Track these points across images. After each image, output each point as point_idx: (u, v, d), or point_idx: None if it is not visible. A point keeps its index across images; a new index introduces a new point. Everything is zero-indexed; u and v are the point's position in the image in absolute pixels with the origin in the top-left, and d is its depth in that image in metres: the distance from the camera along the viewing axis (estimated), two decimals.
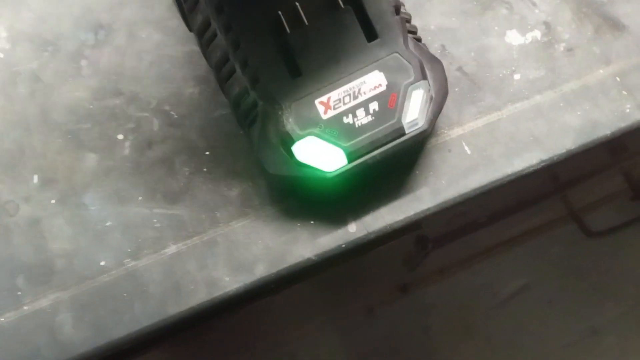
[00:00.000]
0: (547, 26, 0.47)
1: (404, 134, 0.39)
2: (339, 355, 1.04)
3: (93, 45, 0.47)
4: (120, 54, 0.46)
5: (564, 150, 0.44)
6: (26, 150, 0.44)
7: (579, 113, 0.45)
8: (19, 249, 0.42)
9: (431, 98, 0.40)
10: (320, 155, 0.38)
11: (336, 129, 0.38)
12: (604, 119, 0.45)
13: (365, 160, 0.39)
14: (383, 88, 0.38)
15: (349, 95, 0.38)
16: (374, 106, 0.38)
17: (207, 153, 0.44)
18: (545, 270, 1.08)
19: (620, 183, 0.91)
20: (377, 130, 0.38)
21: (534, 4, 0.48)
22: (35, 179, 0.44)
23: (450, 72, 0.46)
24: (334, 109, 0.38)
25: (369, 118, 0.38)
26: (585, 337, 1.09)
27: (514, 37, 0.47)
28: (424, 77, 0.39)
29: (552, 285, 1.09)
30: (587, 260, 1.08)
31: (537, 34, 0.47)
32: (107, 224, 0.43)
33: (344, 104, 0.38)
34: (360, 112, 0.38)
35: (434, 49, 0.46)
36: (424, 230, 0.48)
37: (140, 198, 0.43)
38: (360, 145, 0.38)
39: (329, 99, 0.38)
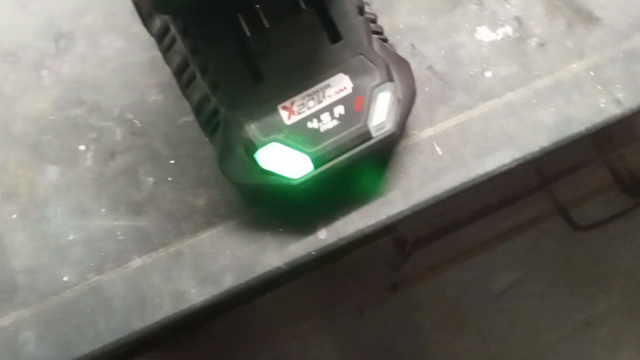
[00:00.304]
0: (519, 21, 0.46)
1: (370, 137, 0.37)
2: (332, 357, 1.03)
3: (54, 54, 0.45)
4: (81, 63, 0.45)
5: (537, 148, 0.43)
6: None
7: (552, 109, 0.44)
8: None
9: (398, 100, 0.38)
10: (285, 162, 0.37)
11: (301, 135, 0.37)
12: (578, 115, 0.44)
13: (332, 166, 0.37)
14: (348, 91, 0.37)
15: (313, 99, 0.37)
16: (339, 110, 0.37)
17: (172, 162, 0.43)
18: (536, 264, 1.08)
19: (608, 176, 0.91)
20: (343, 134, 0.37)
21: None
22: None
23: (421, 72, 0.45)
24: (298, 113, 0.37)
25: (335, 122, 0.37)
26: (579, 330, 1.09)
27: (484, 34, 0.46)
28: (390, 79, 0.38)
29: (544, 279, 1.09)
30: (578, 253, 1.08)
31: (508, 29, 0.46)
32: (70, 237, 0.42)
33: (308, 108, 0.37)
34: (325, 117, 0.37)
35: (403, 48, 0.45)
36: (402, 232, 0.47)
37: (103, 210, 0.42)
38: (326, 150, 0.37)
39: (292, 103, 0.36)
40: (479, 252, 1.02)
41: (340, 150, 0.37)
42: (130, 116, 0.44)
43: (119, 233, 0.42)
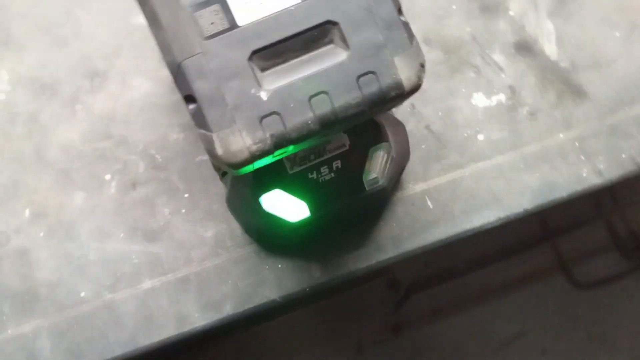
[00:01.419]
0: (512, 90, 0.50)
1: (364, 190, 0.42)
2: None
3: (88, 90, 0.50)
4: (112, 100, 0.50)
5: (521, 210, 0.47)
6: (20, 186, 0.48)
7: (537, 175, 0.48)
8: (7, 277, 0.46)
9: (392, 158, 0.42)
10: (285, 207, 0.41)
11: (301, 184, 0.41)
12: (561, 182, 0.48)
13: (327, 213, 0.42)
14: (346, 147, 0.41)
15: (314, 153, 0.41)
16: (337, 164, 0.41)
17: (187, 195, 0.48)
18: (540, 318, 1.07)
19: (609, 237, 0.93)
20: (339, 185, 0.41)
21: (501, 69, 0.51)
22: (27, 212, 0.47)
23: (418, 130, 0.49)
24: (300, 165, 0.41)
25: (332, 175, 0.41)
26: None
27: (480, 100, 0.50)
28: (385, 140, 0.42)
29: (547, 334, 1.09)
30: (582, 310, 1.08)
31: (502, 97, 0.50)
32: (90, 257, 0.46)
33: (310, 161, 0.41)
34: (324, 169, 0.41)
35: (404, 108, 0.50)
36: (397, 275, 0.51)
37: (121, 235, 0.47)
38: (322, 199, 0.41)
39: (296, 155, 0.41)
40: (484, 300, 1.04)
41: (336, 199, 0.41)
42: (152, 151, 0.49)
43: (134, 257, 0.46)
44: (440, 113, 0.49)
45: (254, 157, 0.33)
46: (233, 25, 0.32)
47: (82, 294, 0.45)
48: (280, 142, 0.33)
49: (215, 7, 0.33)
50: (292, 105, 0.33)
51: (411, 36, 0.34)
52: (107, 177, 0.48)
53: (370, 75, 0.33)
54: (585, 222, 0.88)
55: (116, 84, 0.50)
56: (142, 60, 0.51)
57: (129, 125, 0.49)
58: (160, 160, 0.49)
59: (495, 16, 0.52)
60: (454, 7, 0.52)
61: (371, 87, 0.33)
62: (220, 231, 0.47)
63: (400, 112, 0.49)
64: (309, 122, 0.33)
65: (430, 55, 0.51)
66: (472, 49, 0.51)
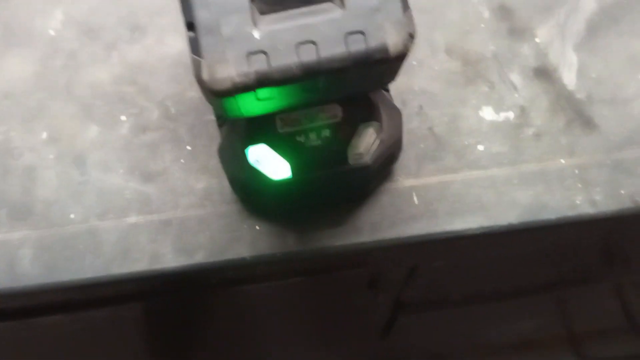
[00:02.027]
0: (522, 110, 0.50)
1: (347, 163, 0.43)
2: None
3: (127, 40, 0.55)
4: (146, 52, 0.54)
5: (505, 223, 0.47)
6: (45, 110, 0.52)
7: (530, 193, 0.47)
8: (10, 188, 0.49)
9: (381, 140, 0.44)
10: (269, 163, 0.43)
11: (287, 144, 0.42)
12: (553, 204, 0.47)
13: (307, 177, 0.43)
14: (337, 119, 0.43)
15: (307, 117, 0.43)
16: (325, 133, 0.43)
17: (189, 148, 0.50)
18: None
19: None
20: (323, 153, 0.42)
21: (515, 88, 0.51)
22: (44, 135, 0.51)
23: (421, 130, 0.50)
24: (291, 126, 0.43)
25: (319, 142, 0.42)
26: None
27: (488, 113, 0.50)
28: (377, 119, 0.43)
29: None
30: None
31: (510, 114, 0.50)
32: (88, 185, 0.49)
33: (300, 124, 0.43)
34: (313, 135, 0.43)
35: (412, 107, 0.51)
36: (380, 278, 0.51)
37: (121, 171, 0.50)
38: (305, 164, 0.42)
39: (288, 116, 0.43)
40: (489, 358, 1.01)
41: (318, 166, 0.43)
42: (168, 103, 0.52)
43: (127, 192, 0.49)
44: (446, 118, 0.50)
45: (236, 89, 0.35)
46: None
47: (72, 216, 0.48)
48: (262, 80, 0.35)
49: None
50: (280, 48, 0.35)
51: (406, 7, 0.35)
52: (123, 118, 0.51)
53: (358, 35, 0.35)
54: (601, 297, 0.84)
55: (153, 39, 0.54)
56: (180, 24, 0.55)
57: (155, 76, 0.53)
58: (173, 112, 0.52)
59: (521, 39, 0.53)
60: (483, 25, 0.54)
61: (358, 45, 0.35)
62: (211, 185, 0.49)
63: (407, 111, 0.50)
64: (293, 66, 0.35)
65: (449, 64, 0.52)
66: (491, 65, 0.52)
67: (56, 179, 0.49)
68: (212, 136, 0.50)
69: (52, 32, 0.55)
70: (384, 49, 0.35)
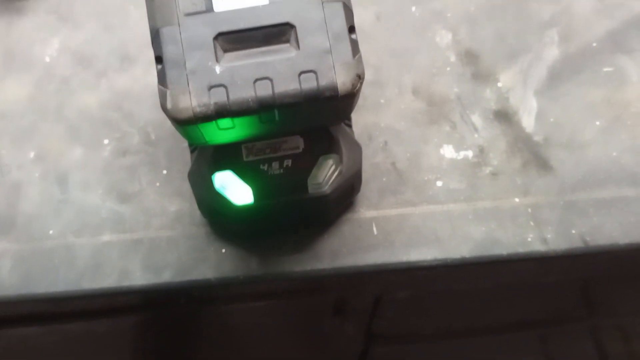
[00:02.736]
0: (481, 150, 0.53)
1: (306, 192, 0.45)
2: None
3: (117, 69, 0.58)
4: (133, 81, 0.58)
5: (458, 256, 0.49)
6: (35, 131, 0.55)
7: (483, 228, 0.50)
8: None
9: (340, 171, 0.46)
10: (233, 189, 0.46)
11: (251, 172, 0.45)
12: (505, 240, 0.49)
13: (268, 204, 0.46)
14: (299, 150, 0.45)
15: (270, 148, 0.46)
16: (287, 162, 0.45)
17: (165, 172, 0.53)
18: None
19: None
20: (284, 182, 0.45)
21: (476, 129, 0.54)
22: (32, 154, 0.54)
23: (384, 165, 0.53)
24: (255, 155, 0.46)
25: (281, 171, 0.45)
26: None
27: (448, 151, 0.53)
28: (337, 152, 0.46)
29: None
30: None
31: (469, 153, 0.53)
32: (67, 203, 0.52)
33: (264, 154, 0.45)
34: (275, 164, 0.45)
35: (378, 142, 0.54)
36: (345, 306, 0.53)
37: (100, 191, 0.53)
38: (267, 191, 0.45)
39: (253, 146, 0.46)
40: None
41: (278, 194, 0.45)
42: (149, 129, 0.55)
43: (103, 211, 0.52)
44: (408, 154, 0.53)
45: (196, 118, 0.38)
46: (209, 9, 0.39)
47: (51, 232, 0.51)
48: (221, 111, 0.38)
49: None
50: (238, 83, 0.38)
51: (356, 51, 0.39)
52: (106, 141, 0.55)
53: (311, 74, 0.38)
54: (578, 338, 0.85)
55: (140, 69, 0.58)
56: None
57: (139, 104, 0.56)
58: (153, 137, 0.55)
59: (484, 84, 0.56)
60: (449, 69, 0.57)
61: (309, 84, 0.38)
62: (183, 209, 0.52)
63: (373, 146, 0.53)
64: (250, 100, 0.38)
65: (415, 104, 0.55)
66: (454, 107, 0.55)
67: (39, 195, 0.53)
68: (187, 162, 0.53)
69: (47, 59, 0.59)
70: (333, 88, 0.38)
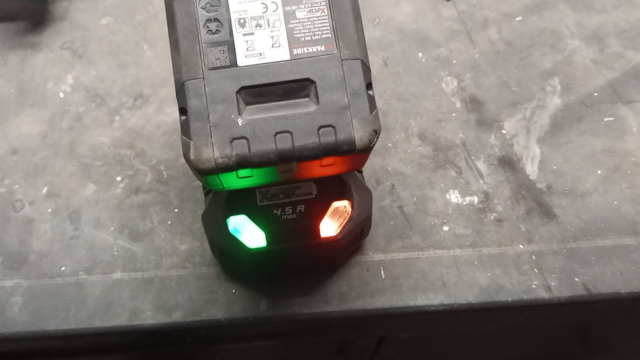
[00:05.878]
0: (486, 196, 0.55)
1: (318, 237, 0.47)
2: None
3: (130, 107, 0.59)
4: (145, 119, 0.59)
5: (464, 302, 0.50)
6: (48, 167, 0.56)
7: (488, 274, 0.51)
8: (9, 237, 0.53)
9: (351, 217, 0.48)
10: (246, 233, 0.47)
11: (265, 216, 0.46)
12: (509, 287, 0.50)
13: (281, 248, 0.47)
14: (312, 196, 0.47)
15: (284, 193, 0.47)
16: (300, 207, 0.47)
17: (176, 210, 0.54)
18: None
19: None
20: (297, 227, 0.46)
21: (481, 175, 0.55)
22: (45, 190, 0.55)
23: (392, 208, 0.54)
24: (269, 200, 0.47)
25: (294, 216, 0.46)
26: None
27: (454, 196, 0.54)
28: (349, 199, 0.47)
29: None
30: None
31: (475, 199, 0.54)
32: (79, 240, 0.53)
33: (278, 199, 0.47)
34: (288, 209, 0.47)
35: (385, 186, 0.55)
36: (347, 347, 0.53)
37: (112, 229, 0.53)
38: (279, 235, 0.46)
39: (267, 191, 0.47)
40: None
41: (291, 238, 0.46)
42: (162, 167, 0.56)
43: (115, 249, 0.52)
44: (415, 198, 0.54)
45: (218, 169, 0.39)
46: (233, 64, 0.40)
47: (62, 268, 0.52)
48: (242, 162, 0.39)
49: (224, 47, 0.40)
50: (260, 136, 0.39)
51: (373, 107, 0.40)
52: (118, 178, 0.56)
53: (329, 128, 0.39)
54: None
55: (153, 108, 0.59)
56: None
57: (151, 142, 0.58)
58: (165, 176, 0.56)
59: (489, 130, 0.58)
60: (454, 114, 0.59)
61: (328, 138, 0.39)
62: (194, 248, 0.53)
63: (380, 189, 0.55)
64: (270, 152, 0.39)
65: (421, 149, 0.57)
66: (459, 153, 0.56)
67: (51, 232, 0.53)
68: (199, 200, 0.55)
69: (61, 95, 0.60)
70: (351, 142, 0.39)
